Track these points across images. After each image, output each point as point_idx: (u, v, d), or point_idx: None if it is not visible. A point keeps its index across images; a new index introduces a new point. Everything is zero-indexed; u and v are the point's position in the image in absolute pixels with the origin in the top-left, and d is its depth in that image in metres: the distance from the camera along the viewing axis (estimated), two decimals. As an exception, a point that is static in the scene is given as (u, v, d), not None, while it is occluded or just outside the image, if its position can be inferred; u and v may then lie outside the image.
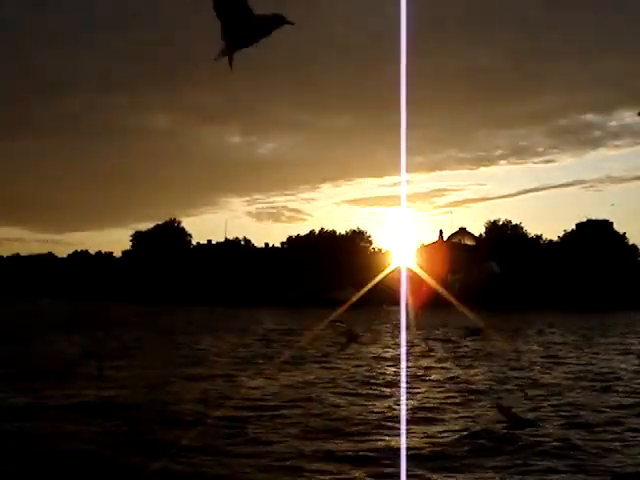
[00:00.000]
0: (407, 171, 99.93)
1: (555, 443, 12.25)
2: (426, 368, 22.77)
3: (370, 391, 18.07)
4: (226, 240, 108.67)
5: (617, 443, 12.48)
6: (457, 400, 16.70)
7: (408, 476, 10.14)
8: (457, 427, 13.61)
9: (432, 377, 20.74)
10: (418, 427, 13.38)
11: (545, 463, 11.11)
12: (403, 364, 22.53)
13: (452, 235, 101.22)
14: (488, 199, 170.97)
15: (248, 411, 14.89)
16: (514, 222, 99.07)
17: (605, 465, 11.03)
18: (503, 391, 18.28)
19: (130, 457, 11.10)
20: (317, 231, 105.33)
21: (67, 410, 14.73)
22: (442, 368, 22.95)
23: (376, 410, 15.23)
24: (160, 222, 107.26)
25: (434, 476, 10.48)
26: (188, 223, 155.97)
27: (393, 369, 22.41)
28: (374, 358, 25.74)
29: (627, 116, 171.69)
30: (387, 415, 14.51)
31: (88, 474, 10.46)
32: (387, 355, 27.15)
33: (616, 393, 18.17)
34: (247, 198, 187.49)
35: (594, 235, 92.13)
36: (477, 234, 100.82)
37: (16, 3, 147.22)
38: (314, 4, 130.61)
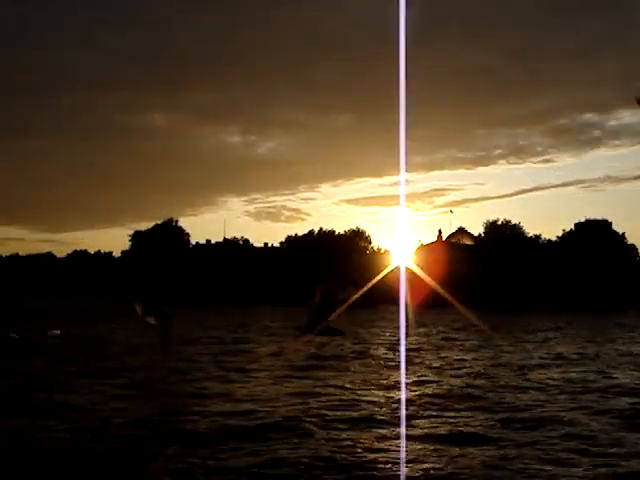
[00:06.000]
0: (406, 171, 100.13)
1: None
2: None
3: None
4: (225, 240, 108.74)
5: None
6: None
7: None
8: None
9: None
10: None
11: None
12: (402, 371, 22.09)
13: (451, 235, 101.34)
14: (487, 199, 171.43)
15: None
16: (513, 222, 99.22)
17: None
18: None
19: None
20: (316, 231, 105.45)
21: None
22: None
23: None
24: (159, 222, 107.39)
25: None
26: (187, 223, 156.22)
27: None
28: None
29: (626, 116, 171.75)
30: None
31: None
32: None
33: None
34: (246, 198, 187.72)
35: (593, 235, 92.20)
36: (476, 234, 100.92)
37: (17, 3, 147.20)
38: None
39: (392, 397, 16.84)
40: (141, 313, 26.92)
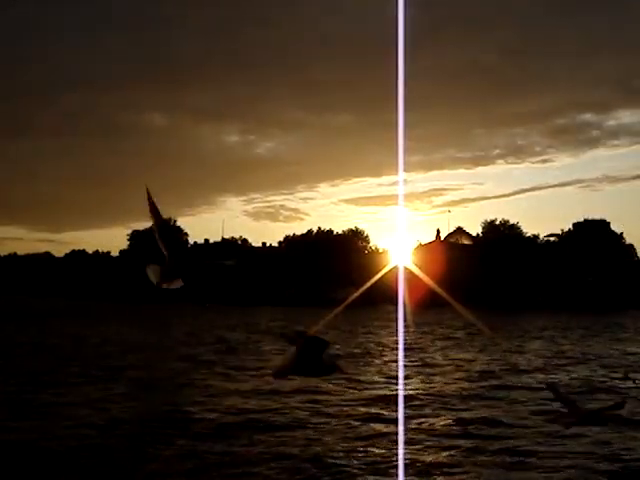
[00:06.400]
0: (405, 170, 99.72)
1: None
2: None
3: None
4: (223, 239, 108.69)
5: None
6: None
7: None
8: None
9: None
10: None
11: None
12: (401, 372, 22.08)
13: (449, 235, 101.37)
14: (485, 198, 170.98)
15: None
16: (511, 222, 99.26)
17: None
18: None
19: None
20: (315, 230, 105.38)
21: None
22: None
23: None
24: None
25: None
26: (185, 222, 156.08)
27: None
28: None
29: (625, 116, 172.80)
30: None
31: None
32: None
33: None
34: (244, 197, 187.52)
35: (591, 235, 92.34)
36: (474, 234, 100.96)
37: (17, 3, 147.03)
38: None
39: (391, 396, 16.92)
40: (159, 278, 19.38)
